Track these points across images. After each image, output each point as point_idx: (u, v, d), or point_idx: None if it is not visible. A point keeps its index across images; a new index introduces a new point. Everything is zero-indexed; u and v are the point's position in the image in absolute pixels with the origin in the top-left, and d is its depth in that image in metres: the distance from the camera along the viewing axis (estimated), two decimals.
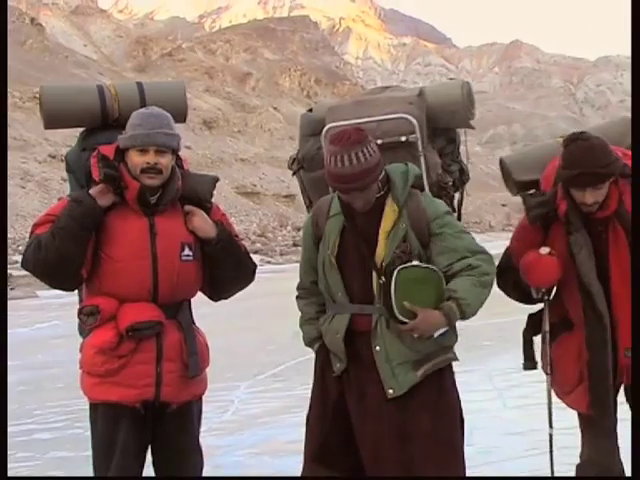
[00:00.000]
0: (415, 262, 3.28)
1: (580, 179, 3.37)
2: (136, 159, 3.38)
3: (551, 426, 3.72)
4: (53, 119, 3.86)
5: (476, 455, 5.56)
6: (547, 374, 3.74)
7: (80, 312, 3.44)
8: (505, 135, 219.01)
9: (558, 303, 3.68)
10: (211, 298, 3.72)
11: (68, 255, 3.30)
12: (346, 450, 3.39)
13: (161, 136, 3.39)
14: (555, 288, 3.69)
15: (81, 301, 3.68)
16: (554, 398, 3.72)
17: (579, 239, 3.48)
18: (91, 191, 3.38)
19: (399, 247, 3.29)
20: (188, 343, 3.50)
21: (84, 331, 3.53)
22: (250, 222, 71.77)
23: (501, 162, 3.94)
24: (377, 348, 3.30)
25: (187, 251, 3.48)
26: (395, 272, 3.22)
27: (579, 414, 3.61)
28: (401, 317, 3.24)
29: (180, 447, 3.54)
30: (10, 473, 5.91)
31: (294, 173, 3.92)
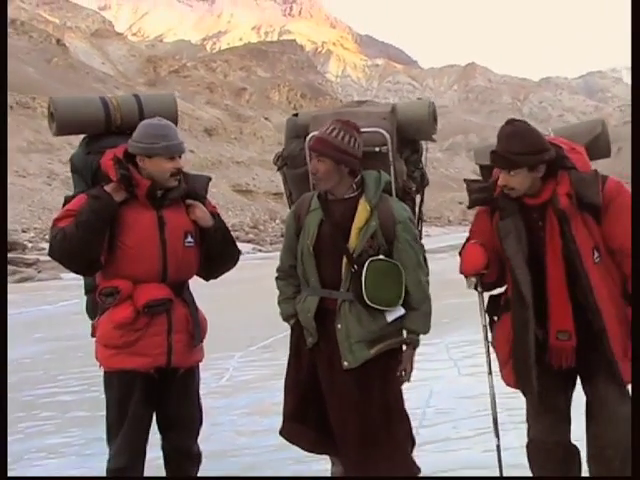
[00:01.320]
0: (382, 256, 3.29)
1: (493, 158, 3.18)
2: (166, 165, 3.40)
3: (497, 437, 3.47)
4: (64, 127, 3.79)
5: (435, 415, 5.59)
6: (489, 374, 3.50)
7: (100, 293, 3.43)
8: (462, 143, 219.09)
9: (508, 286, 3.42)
10: (204, 278, 3.73)
11: (90, 244, 3.31)
12: (317, 411, 3.43)
13: (182, 145, 3.48)
14: (487, 281, 3.39)
15: (87, 285, 3.70)
16: (495, 367, 3.48)
17: (507, 224, 3.21)
18: (106, 188, 3.38)
19: (368, 242, 3.30)
20: (193, 317, 3.54)
21: (98, 310, 3.51)
22: (244, 216, 71.60)
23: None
24: (339, 326, 3.32)
25: (189, 238, 3.51)
26: (367, 263, 3.24)
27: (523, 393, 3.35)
28: (369, 302, 3.25)
29: (186, 404, 3.58)
30: (35, 430, 5.92)
31: (279, 169, 3.89)
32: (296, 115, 3.95)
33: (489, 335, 3.47)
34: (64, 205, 3.58)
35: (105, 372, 3.51)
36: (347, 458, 3.39)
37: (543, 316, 3.18)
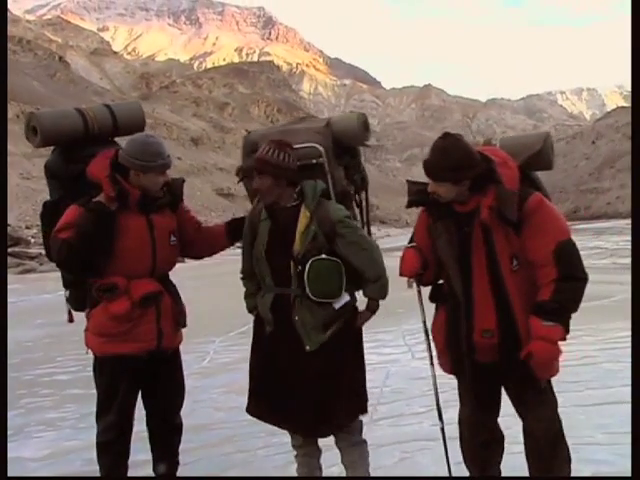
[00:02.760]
0: (323, 255, 3.30)
1: (423, 167, 3.09)
2: (157, 178, 3.41)
3: (441, 420, 3.41)
4: (47, 139, 3.65)
5: (390, 394, 5.62)
6: (431, 365, 3.43)
7: (98, 289, 3.40)
8: (419, 155, 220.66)
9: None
10: (195, 258, 3.84)
11: (93, 251, 3.30)
12: (276, 388, 3.45)
13: (171, 161, 3.50)
14: (426, 281, 3.35)
15: (66, 280, 3.69)
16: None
17: (439, 227, 3.14)
18: (100, 200, 3.34)
19: (310, 244, 3.31)
20: (178, 304, 3.59)
21: (88, 303, 3.49)
22: (226, 216, 70.81)
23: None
24: (296, 318, 3.35)
25: (172, 238, 3.54)
26: (308, 263, 3.26)
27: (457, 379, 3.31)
28: (312, 296, 3.28)
29: (174, 379, 3.62)
30: (35, 405, 5.85)
31: (239, 181, 3.88)
32: (249, 132, 3.94)
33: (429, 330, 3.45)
34: (44, 210, 3.61)
35: (97, 357, 3.49)
36: (299, 426, 3.43)
37: (470, 314, 3.11)
